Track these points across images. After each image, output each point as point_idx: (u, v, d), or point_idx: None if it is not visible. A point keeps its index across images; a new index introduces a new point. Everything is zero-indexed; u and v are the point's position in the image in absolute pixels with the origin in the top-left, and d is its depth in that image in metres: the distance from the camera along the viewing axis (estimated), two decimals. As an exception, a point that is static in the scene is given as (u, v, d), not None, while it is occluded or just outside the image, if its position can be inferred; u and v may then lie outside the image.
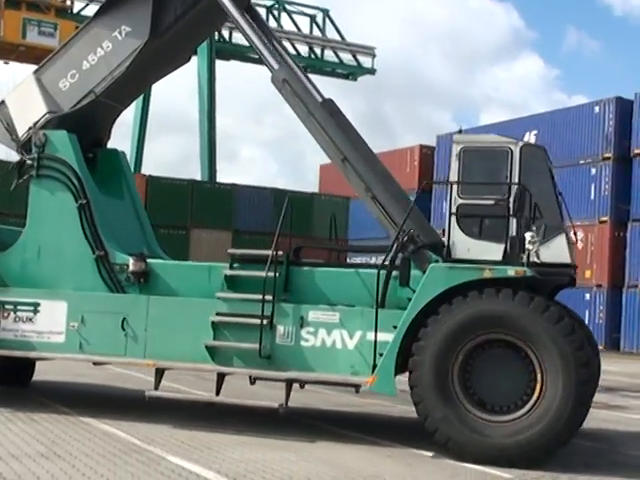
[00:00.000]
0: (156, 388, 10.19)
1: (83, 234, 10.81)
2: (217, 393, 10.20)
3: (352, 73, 32.63)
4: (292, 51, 32.96)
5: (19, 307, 10.74)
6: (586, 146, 26.65)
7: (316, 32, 33.18)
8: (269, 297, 9.85)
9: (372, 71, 32.20)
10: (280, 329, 9.86)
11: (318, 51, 33.07)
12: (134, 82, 11.70)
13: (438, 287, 9.21)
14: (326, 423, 10.87)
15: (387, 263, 9.84)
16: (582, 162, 26.74)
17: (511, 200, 9.77)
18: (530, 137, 27.60)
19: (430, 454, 9.03)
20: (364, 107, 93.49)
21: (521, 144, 10.08)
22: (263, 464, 8.09)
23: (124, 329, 10.36)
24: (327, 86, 66.72)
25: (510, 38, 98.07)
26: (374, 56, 32.11)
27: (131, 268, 10.58)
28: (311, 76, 32.94)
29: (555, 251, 9.62)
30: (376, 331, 9.52)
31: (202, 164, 33.29)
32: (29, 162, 10.96)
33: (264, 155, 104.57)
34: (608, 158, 26.39)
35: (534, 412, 8.90)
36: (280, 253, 10.16)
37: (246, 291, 10.07)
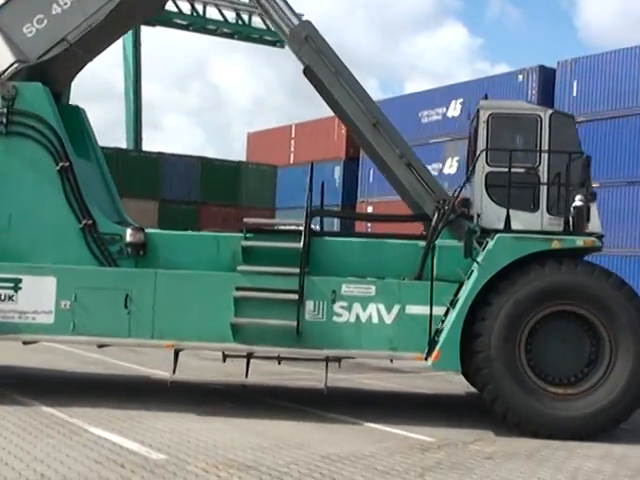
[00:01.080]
0: (174, 372, 9.58)
1: (66, 201, 9.85)
2: (246, 375, 9.92)
3: (280, 40, 32.52)
4: (219, 17, 32.61)
5: None
6: (511, 114, 27.26)
7: (243, -3, 33.10)
8: (295, 270, 9.51)
9: (299, 38, 32.17)
10: (310, 304, 9.53)
11: (245, 17, 32.82)
12: (109, 31, 10.77)
13: (506, 258, 9.20)
14: (261, 395, 10.90)
15: (431, 233, 9.75)
16: (505, 130, 27.41)
17: (543, 169, 9.82)
18: (456, 105, 27.99)
19: (360, 422, 9.27)
20: (289, 75, 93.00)
21: (550, 111, 10.19)
22: (188, 434, 8.10)
23: (127, 307, 9.59)
24: (255, 53, 66.05)
25: (435, 6, 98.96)
26: (302, 23, 32.12)
27: (128, 239, 9.84)
28: (238, 43, 32.46)
29: (594, 220, 9.84)
30: (431, 305, 9.40)
31: (127, 132, 32.44)
32: None
33: (190, 124, 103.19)
34: (534, 125, 27.01)
35: (602, 385, 9.11)
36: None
37: (264, 264, 9.62)
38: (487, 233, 9.60)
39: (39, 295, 9.58)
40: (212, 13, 32.64)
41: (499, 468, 7.50)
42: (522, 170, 9.84)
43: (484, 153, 9.91)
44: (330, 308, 9.53)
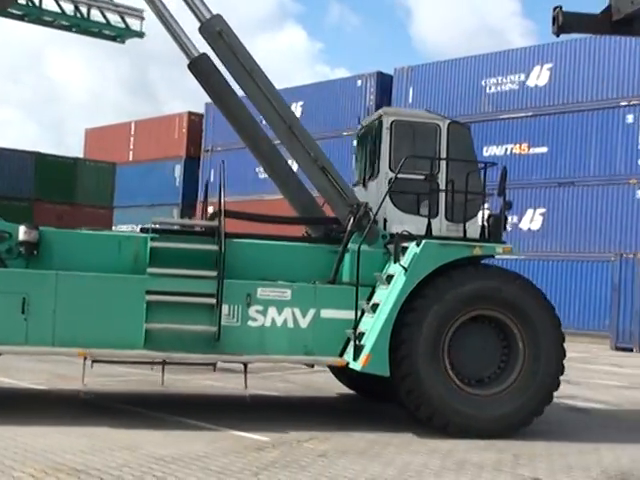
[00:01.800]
0: (83, 381, 9.07)
1: None
2: (162, 382, 9.64)
3: (120, 35, 31.83)
4: (56, 9, 31.57)
5: None
6: (349, 118, 27.85)
7: (81, -11, 32.09)
8: (210, 273, 9.28)
9: (140, 34, 31.60)
10: (225, 308, 9.28)
11: (84, 10, 31.90)
12: None
13: (432, 263, 9.37)
14: (99, 398, 10.53)
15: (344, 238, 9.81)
16: (345, 133, 27.99)
17: (442, 177, 10.13)
18: (297, 108, 28.38)
19: (195, 422, 9.25)
20: (129, 71, 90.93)
21: (448, 121, 10.46)
22: (15, 439, 7.92)
23: (24, 312, 8.81)
24: (93, 47, 64.03)
25: (275, 9, 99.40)
26: (143, 19, 31.59)
27: (22, 237, 9.06)
28: (76, 37, 31.49)
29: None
30: (356, 309, 9.43)
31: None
32: None
33: (23, 117, 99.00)
34: (369, 130, 27.70)
35: (516, 385, 9.49)
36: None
37: (172, 266, 9.27)
38: (392, 238, 9.78)
39: None
40: (49, 4, 31.56)
41: (332, 465, 7.64)
42: (422, 177, 10.03)
43: (385, 159, 10.18)
44: (245, 312, 9.39)
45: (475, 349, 9.68)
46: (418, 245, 9.44)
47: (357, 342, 9.35)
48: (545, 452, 8.83)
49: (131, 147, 34.84)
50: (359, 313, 9.57)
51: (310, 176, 10.35)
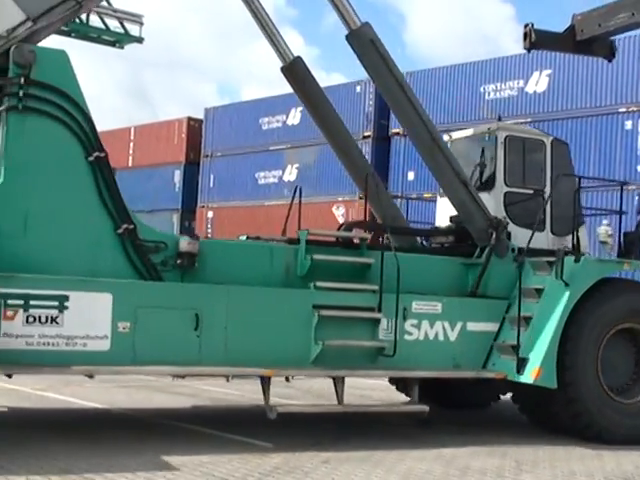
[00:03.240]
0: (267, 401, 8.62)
1: (100, 200, 8.09)
2: (341, 400, 9.13)
3: (119, 41, 31.83)
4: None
5: (34, 302, 7.50)
6: (348, 124, 27.63)
7: (81, -5, 32.12)
8: (373, 287, 9.20)
9: (140, 40, 31.59)
10: (384, 322, 9.26)
11: (83, 16, 31.92)
12: None
13: (590, 279, 9.84)
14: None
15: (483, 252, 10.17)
16: (344, 139, 27.85)
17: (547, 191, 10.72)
18: (296, 114, 28.32)
19: (198, 428, 9.27)
20: (126, 76, 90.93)
21: (551, 138, 11.17)
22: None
23: (197, 329, 8.32)
24: (88, 52, 64.19)
25: (271, 14, 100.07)
26: (142, 24, 31.64)
27: (184, 249, 8.45)
28: (75, 42, 31.33)
29: (584, 242, 10.95)
30: (519, 323, 9.71)
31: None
32: (10, 87, 7.73)
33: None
34: (368, 136, 27.65)
35: None
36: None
37: (330, 279, 9.10)
38: (520, 252, 10.22)
39: (92, 316, 7.84)
40: None
41: (335, 471, 7.63)
42: (531, 192, 10.80)
43: (501, 173, 10.70)
44: (402, 326, 9.40)
45: (615, 359, 10.17)
46: (577, 261, 9.83)
47: (518, 355, 9.63)
48: (548, 457, 8.83)
49: (131, 152, 34.78)
50: (496, 325, 10.04)
51: (450, 190, 10.52)
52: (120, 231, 8.20)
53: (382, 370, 9.50)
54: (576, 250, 10.39)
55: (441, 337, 9.65)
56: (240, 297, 8.64)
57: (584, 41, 11.85)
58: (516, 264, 10.18)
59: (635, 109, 22.75)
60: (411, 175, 27.29)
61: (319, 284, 9.04)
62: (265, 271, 9.01)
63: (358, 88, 27.51)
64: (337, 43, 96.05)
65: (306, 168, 26.87)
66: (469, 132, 11.97)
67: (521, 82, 25.38)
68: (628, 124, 22.65)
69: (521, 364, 9.58)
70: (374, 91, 27.35)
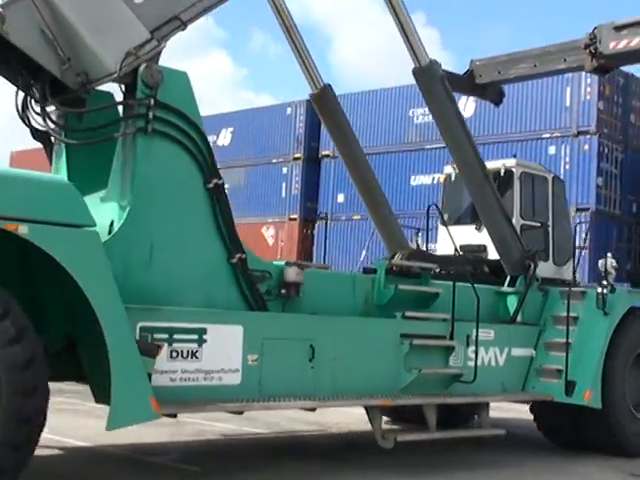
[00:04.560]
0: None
1: (216, 229, 7.75)
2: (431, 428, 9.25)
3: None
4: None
5: (177, 336, 7.13)
6: (278, 145, 27.74)
7: None
8: (446, 315, 9.45)
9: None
10: (457, 350, 9.58)
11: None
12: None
13: (623, 307, 10.58)
14: None
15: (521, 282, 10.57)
16: (275, 161, 27.79)
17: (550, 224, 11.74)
18: (227, 134, 28.03)
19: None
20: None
21: (552, 175, 12.31)
22: None
23: (312, 360, 8.18)
24: None
25: (200, 34, 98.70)
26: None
27: (292, 279, 8.25)
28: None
29: None
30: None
31: None
32: (138, 108, 7.24)
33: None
34: (298, 158, 27.80)
35: None
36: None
37: (404, 308, 9.19)
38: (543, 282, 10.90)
39: (225, 349, 7.55)
40: None
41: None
42: (538, 224, 11.69)
43: (517, 207, 11.48)
44: (465, 353, 9.63)
45: (635, 380, 10.85)
46: (612, 292, 10.48)
47: (567, 379, 10.18)
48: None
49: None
50: (531, 351, 10.55)
51: (493, 223, 10.85)
52: (234, 261, 7.90)
53: (460, 397, 9.67)
54: (573, 278, 11.57)
55: (493, 363, 10.07)
56: (343, 327, 8.62)
57: (479, 85, 12.93)
58: (542, 293, 10.85)
59: (558, 135, 23.84)
60: (341, 197, 27.60)
61: (407, 314, 9.15)
62: (348, 300, 9.05)
63: (289, 110, 27.65)
64: (264, 64, 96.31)
65: (235, 189, 26.64)
66: None
67: (448, 107, 25.94)
68: (552, 149, 23.70)
69: (570, 387, 10.10)
70: (305, 113, 27.57)
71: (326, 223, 25.32)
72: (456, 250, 10.74)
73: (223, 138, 27.95)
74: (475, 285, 9.93)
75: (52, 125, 7.39)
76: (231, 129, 28.18)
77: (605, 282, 10.66)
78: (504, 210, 10.89)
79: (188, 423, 10.63)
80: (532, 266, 10.73)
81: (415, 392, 9.10)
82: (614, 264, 11.47)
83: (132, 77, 7.32)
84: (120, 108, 7.69)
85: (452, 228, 12.00)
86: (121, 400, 6.00)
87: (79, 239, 5.95)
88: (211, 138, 28.08)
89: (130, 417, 6.27)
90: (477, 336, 9.76)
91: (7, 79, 7.43)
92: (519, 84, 24.18)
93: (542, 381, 10.42)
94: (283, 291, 8.34)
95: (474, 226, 12.14)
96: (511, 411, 11.01)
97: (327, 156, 27.64)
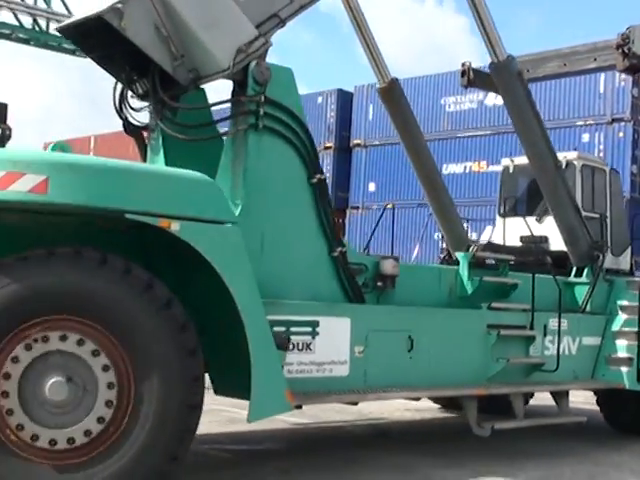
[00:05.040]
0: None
1: (319, 223, 7.85)
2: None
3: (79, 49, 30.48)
4: (14, 22, 29.85)
5: (294, 329, 7.28)
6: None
7: (41, 4, 30.69)
8: (526, 306, 9.64)
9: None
10: (537, 339, 9.77)
11: (43, 23, 30.40)
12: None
13: None
14: None
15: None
16: (309, 150, 27.84)
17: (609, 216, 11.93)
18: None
19: None
20: (83, 85, 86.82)
21: (609, 167, 12.74)
22: None
23: (410, 351, 8.35)
24: (41, 59, 61.01)
25: None
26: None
27: (390, 271, 8.41)
28: (33, 49, 30.04)
29: None
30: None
31: None
32: (249, 105, 7.34)
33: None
34: (330, 147, 27.88)
35: None
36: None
37: (486, 299, 9.37)
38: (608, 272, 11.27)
39: (336, 341, 7.70)
40: (6, 17, 29.88)
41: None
42: (597, 216, 11.80)
43: (580, 199, 11.68)
44: (543, 343, 9.81)
45: None
46: None
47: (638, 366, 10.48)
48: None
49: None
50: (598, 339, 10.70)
51: (563, 214, 11.03)
52: (335, 254, 8.01)
53: (546, 385, 9.96)
54: (630, 268, 12.00)
55: (567, 352, 10.23)
56: (439, 318, 8.82)
57: None
58: (607, 283, 11.03)
59: (592, 122, 23.84)
60: (372, 186, 27.65)
61: (493, 304, 9.34)
62: (434, 292, 9.22)
63: (320, 99, 27.69)
64: (293, 52, 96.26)
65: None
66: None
67: (480, 95, 26.15)
68: (585, 137, 23.65)
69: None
70: (336, 102, 27.59)
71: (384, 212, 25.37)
72: (530, 241, 10.86)
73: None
74: (547, 276, 10.13)
75: (158, 121, 7.44)
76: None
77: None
78: (574, 202, 11.12)
79: (216, 410, 10.60)
80: (600, 257, 10.94)
81: (500, 381, 9.26)
82: None
83: (242, 74, 7.41)
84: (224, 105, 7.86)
85: (511, 219, 12.38)
86: (262, 392, 6.12)
87: (224, 235, 6.07)
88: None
89: (270, 409, 6.40)
90: (560, 326, 9.97)
91: (110, 73, 7.55)
92: (553, 72, 24.16)
93: (612, 369, 10.58)
94: (379, 283, 8.47)
95: (535, 217, 12.27)
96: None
97: (358, 145, 27.68)
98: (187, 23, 6.94)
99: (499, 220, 13.25)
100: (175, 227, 5.69)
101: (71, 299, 5.27)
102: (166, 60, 6.97)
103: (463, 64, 11.79)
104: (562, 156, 12.30)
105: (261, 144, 7.49)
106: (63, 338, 5.29)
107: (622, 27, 11.77)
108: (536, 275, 10.00)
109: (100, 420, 5.37)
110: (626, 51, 11.66)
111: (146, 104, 7.77)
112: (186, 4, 6.96)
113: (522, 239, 11.88)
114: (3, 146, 6.81)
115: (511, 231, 12.34)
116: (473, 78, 11.76)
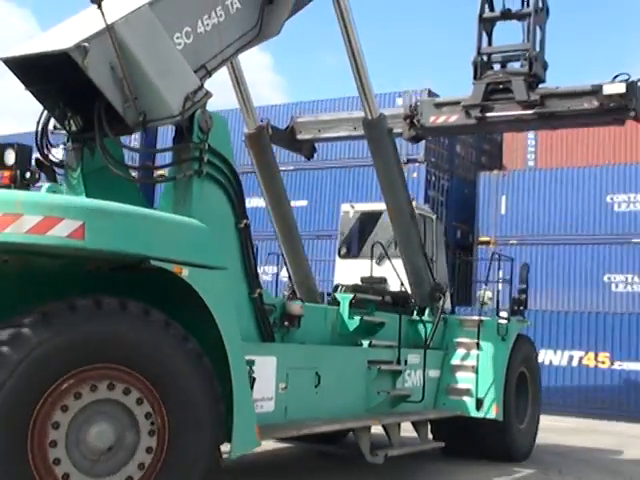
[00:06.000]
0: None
1: (243, 266, 8.08)
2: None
3: None
4: None
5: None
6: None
7: None
8: (394, 343, 10.52)
9: None
10: (405, 373, 10.73)
11: None
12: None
13: (515, 334, 12.65)
14: None
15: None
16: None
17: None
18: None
19: None
20: None
21: (435, 215, 14.44)
22: None
23: (316, 386, 8.93)
24: None
25: None
26: None
27: (297, 312, 8.87)
28: None
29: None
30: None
31: None
32: (193, 151, 7.52)
33: None
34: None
35: None
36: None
37: (363, 336, 10.17)
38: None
39: (265, 379, 8.07)
40: None
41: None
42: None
43: None
44: (403, 375, 10.74)
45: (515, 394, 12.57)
46: (509, 320, 12.25)
47: (477, 396, 11.58)
48: None
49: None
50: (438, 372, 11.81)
51: (412, 259, 11.91)
52: (254, 295, 8.35)
53: (412, 416, 10.92)
54: (452, 308, 13.60)
55: (419, 383, 11.25)
56: (335, 356, 9.54)
57: (298, 140, 14.07)
58: (443, 321, 12.24)
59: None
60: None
61: (375, 342, 10.23)
62: (320, 331, 9.84)
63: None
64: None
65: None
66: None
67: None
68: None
69: (479, 403, 11.64)
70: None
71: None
72: (371, 282, 11.82)
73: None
74: (386, 313, 11.03)
75: (106, 158, 7.36)
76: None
77: (504, 313, 12.48)
78: (423, 248, 12.25)
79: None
80: (442, 297, 12.12)
81: (378, 412, 10.08)
82: (489, 295, 13.12)
83: (188, 121, 7.65)
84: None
85: (350, 261, 13.55)
86: (242, 428, 6.43)
87: (218, 280, 6.40)
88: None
89: (248, 444, 6.71)
90: (425, 360, 11.12)
91: (45, 107, 7.51)
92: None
93: (451, 399, 11.80)
94: (286, 323, 8.97)
95: (375, 260, 12.83)
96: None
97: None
98: (143, 68, 7.10)
99: (339, 261, 14.16)
100: (185, 273, 5.98)
101: (118, 349, 5.39)
102: (118, 100, 7.07)
103: (261, 120, 11.82)
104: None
105: (203, 190, 7.75)
106: (110, 387, 5.39)
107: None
108: (389, 314, 10.94)
109: (140, 466, 5.51)
110: (415, 122, 13.06)
111: (64, 140, 7.78)
112: (143, 50, 7.15)
113: (363, 280, 12.57)
114: (28, 188, 6.57)
115: (349, 272, 13.31)
116: (272, 135, 12.03)
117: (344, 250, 13.98)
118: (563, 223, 22.47)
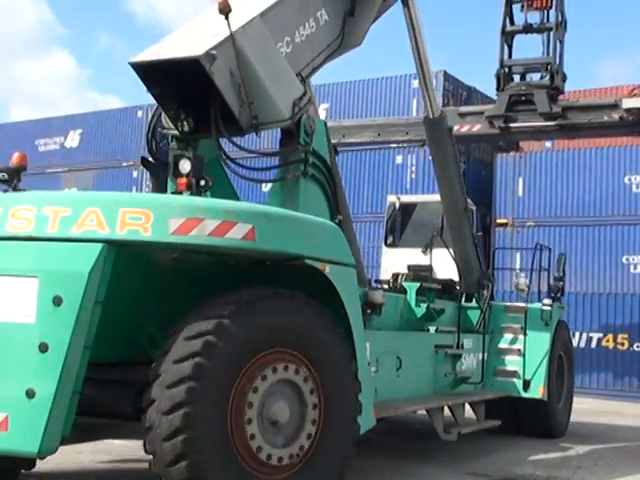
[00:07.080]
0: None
1: None
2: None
3: None
4: None
5: None
6: (128, 148, 26.91)
7: None
8: (453, 328, 11.21)
9: None
10: (464, 356, 11.39)
11: None
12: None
13: (557, 319, 13.24)
14: None
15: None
16: (125, 164, 27.23)
17: None
18: (75, 136, 27.44)
19: None
20: None
21: (474, 207, 13.91)
22: None
23: (397, 369, 9.54)
24: None
25: (40, 32, 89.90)
26: None
27: (378, 300, 9.19)
28: None
29: None
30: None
31: None
32: (300, 153, 8.02)
33: None
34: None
35: None
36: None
37: (431, 322, 10.80)
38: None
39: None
40: None
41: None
42: None
43: None
44: (462, 359, 11.38)
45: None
46: (551, 307, 12.81)
47: (524, 378, 12.21)
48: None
49: None
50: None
51: (463, 249, 12.24)
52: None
53: (473, 396, 11.56)
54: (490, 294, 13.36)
55: (473, 366, 11.95)
56: (411, 341, 10.23)
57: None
58: (488, 307, 12.79)
59: (405, 144, 23.12)
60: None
61: (442, 328, 10.99)
62: (392, 317, 10.33)
63: (139, 113, 27.09)
64: (111, 64, 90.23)
65: (84, 192, 26.30)
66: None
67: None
68: (399, 159, 23.82)
69: (526, 384, 12.36)
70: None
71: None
72: (418, 270, 12.34)
73: (71, 140, 27.31)
74: (444, 300, 11.60)
75: (224, 159, 8.00)
76: (79, 131, 27.63)
77: (548, 300, 13.06)
78: (475, 239, 12.78)
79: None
80: (489, 285, 12.78)
81: (444, 393, 10.82)
82: (527, 283, 13.71)
83: (295, 125, 8.19)
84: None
85: (398, 250, 13.95)
86: (364, 407, 6.97)
87: (351, 277, 7.09)
88: (58, 140, 27.37)
89: (366, 423, 7.26)
90: (484, 344, 11.91)
91: (164, 109, 7.95)
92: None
93: (499, 380, 12.39)
94: (369, 311, 9.32)
95: (420, 249, 13.18)
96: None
97: (181, 159, 27.55)
98: (258, 74, 7.59)
99: (385, 250, 14.76)
100: (327, 270, 6.64)
101: (292, 334, 6.15)
102: (235, 104, 7.53)
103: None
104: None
105: (307, 191, 8.34)
106: (286, 368, 6.11)
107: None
108: (452, 302, 11.70)
109: (308, 436, 6.24)
110: None
111: (171, 139, 8.13)
112: (258, 58, 7.66)
113: (410, 268, 12.91)
114: (202, 195, 7.12)
115: (395, 260, 13.86)
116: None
117: (390, 239, 14.55)
118: (580, 204, 22.13)
